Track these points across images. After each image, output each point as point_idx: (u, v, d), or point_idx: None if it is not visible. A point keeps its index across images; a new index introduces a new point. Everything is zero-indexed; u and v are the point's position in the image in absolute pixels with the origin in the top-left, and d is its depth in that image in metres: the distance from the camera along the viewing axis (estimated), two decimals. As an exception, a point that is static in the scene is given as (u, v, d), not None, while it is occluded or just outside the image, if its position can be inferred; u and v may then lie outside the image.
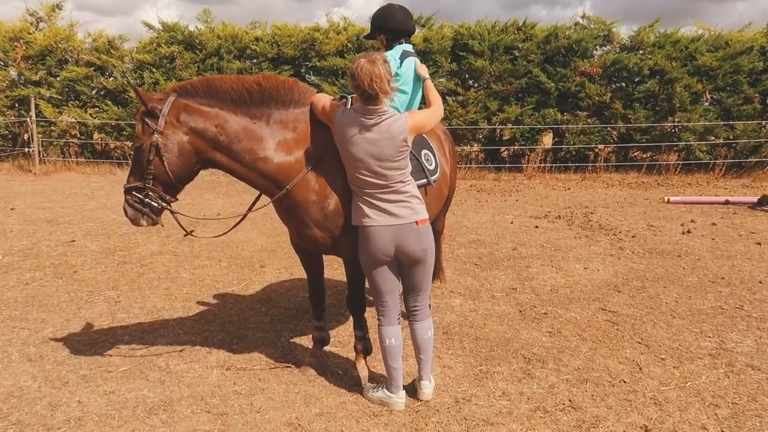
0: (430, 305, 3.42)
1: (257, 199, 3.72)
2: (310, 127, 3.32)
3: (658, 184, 12.42)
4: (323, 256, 3.76)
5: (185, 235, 3.48)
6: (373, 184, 3.07)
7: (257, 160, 3.23)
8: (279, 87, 3.27)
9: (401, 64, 3.58)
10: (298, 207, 3.28)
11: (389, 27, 3.70)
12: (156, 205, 3.24)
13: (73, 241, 7.20)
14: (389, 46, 3.71)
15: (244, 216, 3.67)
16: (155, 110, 3.15)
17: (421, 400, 3.38)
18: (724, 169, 12.95)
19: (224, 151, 3.21)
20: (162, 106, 3.15)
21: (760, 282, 5.59)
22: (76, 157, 14.39)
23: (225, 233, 3.83)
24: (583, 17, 13.88)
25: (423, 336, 3.31)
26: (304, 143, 3.29)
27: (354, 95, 3.18)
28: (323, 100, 3.30)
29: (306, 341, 4.25)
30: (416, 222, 3.09)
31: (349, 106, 3.15)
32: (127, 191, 3.25)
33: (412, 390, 3.45)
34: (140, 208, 3.23)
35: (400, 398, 3.32)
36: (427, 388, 3.39)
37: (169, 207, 3.30)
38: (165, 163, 3.16)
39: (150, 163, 3.16)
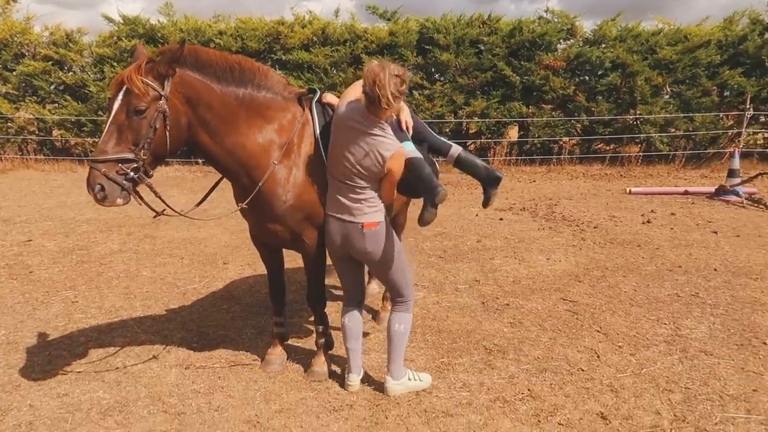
0: (402, 301, 3.34)
1: (218, 182, 3.57)
2: (278, 116, 3.27)
3: (621, 175, 12.66)
4: (283, 250, 3.72)
5: (156, 216, 3.09)
6: (343, 177, 3.11)
7: (236, 144, 3.11)
8: (255, 70, 3.19)
9: None
10: (264, 199, 3.22)
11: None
12: (140, 180, 2.85)
13: (30, 240, 6.99)
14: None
15: (210, 192, 3.51)
16: (163, 71, 2.82)
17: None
18: (684, 160, 13.27)
19: (207, 128, 3.03)
20: (167, 69, 2.84)
21: (715, 270, 5.74)
22: (35, 155, 13.99)
23: (193, 208, 3.51)
24: (546, 11, 14.03)
25: (392, 327, 3.33)
26: (273, 132, 3.22)
27: (324, 90, 3.32)
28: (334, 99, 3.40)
29: (268, 337, 4.21)
30: (362, 225, 3.10)
31: (316, 100, 3.27)
32: (108, 162, 2.76)
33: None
34: (122, 182, 2.78)
35: (350, 381, 3.43)
36: (389, 383, 3.36)
37: (153, 187, 2.93)
38: (167, 133, 2.87)
39: (154, 131, 2.83)
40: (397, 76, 2.91)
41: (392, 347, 3.35)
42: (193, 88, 2.96)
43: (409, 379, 3.41)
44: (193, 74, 2.97)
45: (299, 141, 3.26)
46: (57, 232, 7.41)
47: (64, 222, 8.00)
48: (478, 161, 3.71)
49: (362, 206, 3.09)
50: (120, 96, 2.81)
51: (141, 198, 2.94)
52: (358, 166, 3.05)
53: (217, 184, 3.52)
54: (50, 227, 7.70)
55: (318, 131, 3.30)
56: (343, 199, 3.12)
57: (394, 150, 3.03)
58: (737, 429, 3.03)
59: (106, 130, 2.83)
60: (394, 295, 3.34)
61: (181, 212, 3.18)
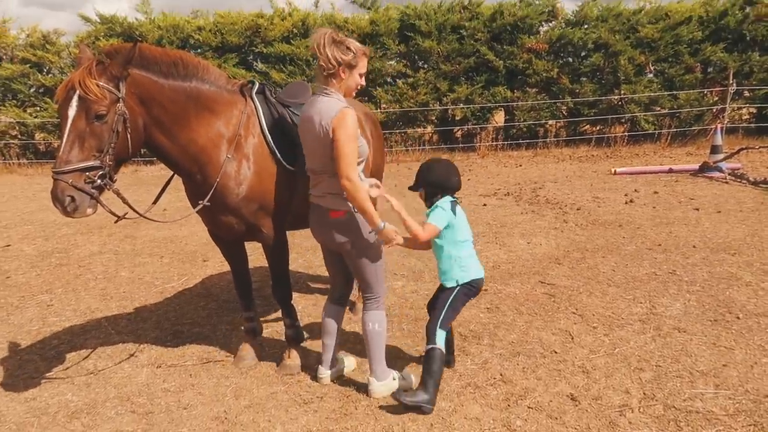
0: (372, 297, 3.21)
1: (170, 180, 3.50)
2: (225, 110, 3.22)
3: (607, 156, 12.64)
4: (245, 244, 3.69)
5: (116, 221, 3.02)
6: (317, 167, 3.04)
7: (188, 140, 3.07)
8: (197, 65, 3.15)
9: (455, 212, 3.23)
10: (216, 194, 3.17)
11: (428, 180, 3.26)
12: (106, 187, 2.77)
13: (9, 245, 6.94)
14: (428, 200, 3.31)
15: (162, 190, 3.43)
16: (117, 73, 2.75)
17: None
18: (669, 138, 13.26)
19: (162, 127, 2.98)
20: (122, 70, 2.77)
21: (694, 246, 5.74)
22: (18, 159, 13.89)
23: (149, 208, 3.30)
24: (527, -7, 13.95)
25: (365, 327, 3.23)
26: (222, 125, 3.19)
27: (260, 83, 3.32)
28: None
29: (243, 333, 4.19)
30: (329, 212, 3.04)
31: (255, 91, 3.26)
32: (75, 172, 2.67)
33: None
34: (90, 191, 2.70)
35: (321, 374, 3.41)
36: (372, 385, 3.23)
37: (119, 191, 2.86)
38: (128, 135, 2.81)
39: (116, 136, 2.76)
40: (340, 42, 2.88)
41: (370, 347, 3.24)
42: (145, 88, 2.91)
43: (394, 379, 3.28)
44: (143, 73, 2.92)
45: (246, 133, 3.23)
46: (37, 236, 7.36)
47: (44, 225, 7.94)
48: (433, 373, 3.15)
49: (332, 194, 3.02)
50: (74, 102, 2.71)
51: (103, 204, 2.84)
52: (321, 149, 2.94)
53: (168, 182, 3.47)
54: (30, 231, 7.65)
55: (264, 121, 3.29)
56: (319, 187, 3.08)
57: (338, 110, 2.87)
58: (705, 404, 3.02)
59: (65, 138, 2.69)
60: (364, 289, 3.23)
61: (143, 214, 3.11)
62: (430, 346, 3.12)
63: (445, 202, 3.20)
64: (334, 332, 3.42)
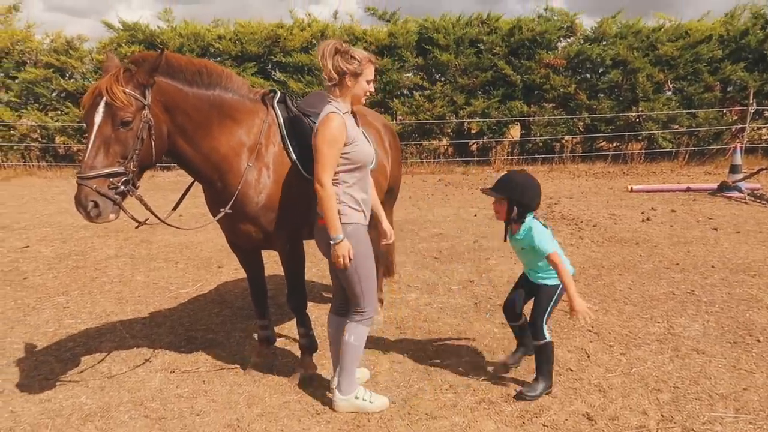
0: (359, 311, 3.14)
1: (190, 186, 3.53)
2: (246, 118, 3.25)
3: (624, 173, 12.55)
4: (261, 252, 3.69)
5: (137, 227, 3.04)
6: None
7: (211, 148, 3.10)
8: (221, 73, 3.18)
9: (546, 225, 3.33)
10: (236, 202, 3.19)
11: (519, 200, 3.27)
12: (129, 193, 2.82)
13: (27, 246, 7.02)
14: (514, 218, 3.31)
15: (183, 197, 3.45)
16: (143, 81, 2.79)
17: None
18: (687, 156, 13.15)
19: (185, 135, 3.01)
20: (148, 78, 2.81)
21: (713, 267, 5.66)
22: (38, 162, 14.07)
23: (169, 214, 3.36)
24: (546, 9, 13.96)
25: (342, 337, 3.15)
26: (243, 134, 3.21)
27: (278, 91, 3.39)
28: None
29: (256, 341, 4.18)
30: (318, 219, 3.02)
31: (277, 100, 3.29)
32: (99, 177, 2.70)
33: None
34: (114, 197, 2.73)
35: (334, 384, 3.31)
36: (335, 396, 3.19)
37: (141, 198, 2.92)
38: (153, 142, 2.85)
39: (141, 142, 2.80)
40: (344, 52, 2.87)
41: (341, 359, 3.16)
42: (170, 96, 2.94)
43: (356, 398, 3.18)
44: (168, 81, 2.95)
45: (267, 142, 3.25)
46: (54, 238, 7.43)
47: (62, 228, 8.02)
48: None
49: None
50: (101, 108, 2.74)
51: (126, 210, 2.89)
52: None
53: (189, 188, 3.49)
54: (48, 233, 7.73)
55: (284, 130, 3.30)
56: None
57: (325, 113, 2.89)
58: (725, 428, 2.96)
59: (91, 144, 2.72)
60: (351, 300, 3.15)
61: (165, 220, 3.14)
62: (543, 342, 3.32)
63: (534, 224, 3.32)
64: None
